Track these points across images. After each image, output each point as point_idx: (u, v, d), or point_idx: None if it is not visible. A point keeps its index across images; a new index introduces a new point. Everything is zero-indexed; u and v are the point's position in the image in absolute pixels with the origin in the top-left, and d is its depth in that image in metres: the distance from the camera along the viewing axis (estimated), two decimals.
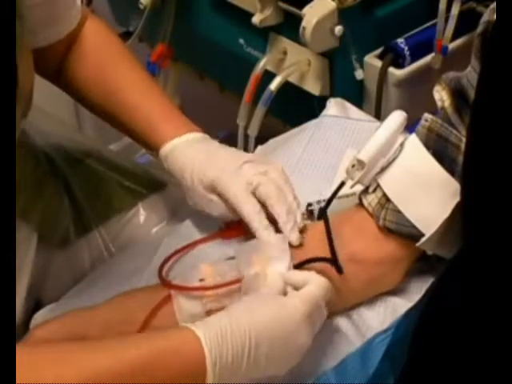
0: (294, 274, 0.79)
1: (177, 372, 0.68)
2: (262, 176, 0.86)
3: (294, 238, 0.83)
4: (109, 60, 0.97)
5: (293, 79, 1.33)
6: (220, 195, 0.87)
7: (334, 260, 0.80)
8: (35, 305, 0.96)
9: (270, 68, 1.35)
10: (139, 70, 0.98)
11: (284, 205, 0.85)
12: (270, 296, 0.76)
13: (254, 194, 0.86)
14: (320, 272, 0.81)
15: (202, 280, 0.81)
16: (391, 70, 1.28)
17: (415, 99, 1.25)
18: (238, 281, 0.80)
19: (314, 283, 0.76)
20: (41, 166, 1.01)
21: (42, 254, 0.96)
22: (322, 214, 0.85)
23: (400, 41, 1.28)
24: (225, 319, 0.71)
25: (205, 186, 0.88)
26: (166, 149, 0.91)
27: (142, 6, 1.50)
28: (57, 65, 0.97)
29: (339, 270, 0.80)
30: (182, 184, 0.91)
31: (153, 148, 0.94)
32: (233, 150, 0.92)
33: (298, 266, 0.82)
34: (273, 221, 0.85)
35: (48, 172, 1.02)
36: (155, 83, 0.99)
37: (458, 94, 0.82)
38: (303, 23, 1.21)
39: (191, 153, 0.90)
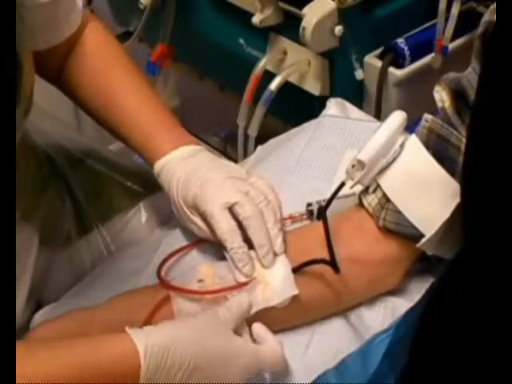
0: None
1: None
2: (242, 195, 0.84)
3: (266, 262, 0.82)
4: (107, 67, 0.96)
5: (293, 79, 1.33)
6: (201, 214, 0.86)
7: (331, 261, 0.80)
8: (36, 305, 0.96)
9: (269, 68, 1.35)
10: (137, 77, 0.97)
11: (261, 229, 0.83)
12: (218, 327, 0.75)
13: (231, 211, 0.84)
14: (320, 274, 0.81)
15: (200, 281, 0.81)
16: (391, 69, 1.28)
17: (415, 99, 1.25)
18: (237, 287, 0.80)
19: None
20: (43, 167, 1.01)
21: (43, 254, 0.96)
22: (321, 215, 0.84)
23: (400, 41, 1.28)
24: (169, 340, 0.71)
25: (187, 204, 0.87)
26: (157, 167, 0.91)
27: (142, 6, 1.50)
28: (57, 68, 0.97)
29: (336, 270, 0.80)
30: (171, 202, 0.91)
31: (149, 164, 0.94)
32: (220, 163, 0.91)
33: (297, 269, 0.82)
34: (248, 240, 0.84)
35: (49, 173, 1.02)
36: (153, 91, 0.98)
37: (458, 94, 0.82)
38: (303, 23, 1.21)
39: (178, 171, 0.89)
